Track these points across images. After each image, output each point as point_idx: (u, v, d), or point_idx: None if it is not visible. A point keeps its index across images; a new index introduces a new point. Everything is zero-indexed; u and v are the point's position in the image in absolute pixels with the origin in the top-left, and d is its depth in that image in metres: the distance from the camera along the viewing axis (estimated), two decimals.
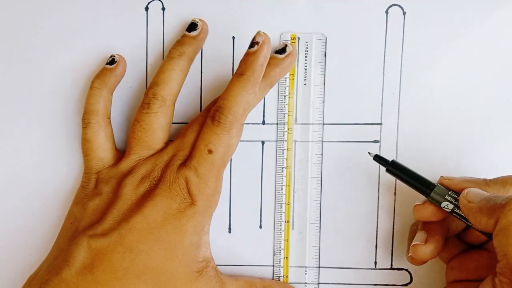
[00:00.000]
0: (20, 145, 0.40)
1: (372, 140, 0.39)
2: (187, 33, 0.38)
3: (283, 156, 0.39)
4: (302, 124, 0.39)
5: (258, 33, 0.35)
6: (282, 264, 0.39)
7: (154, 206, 0.34)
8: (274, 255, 0.39)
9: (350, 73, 0.39)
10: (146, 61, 0.40)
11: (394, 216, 0.39)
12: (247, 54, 0.35)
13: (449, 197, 0.34)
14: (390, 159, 0.36)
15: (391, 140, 0.39)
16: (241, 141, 0.36)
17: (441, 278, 0.39)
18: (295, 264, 0.39)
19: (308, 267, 0.39)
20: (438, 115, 0.39)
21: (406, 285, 0.39)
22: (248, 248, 0.40)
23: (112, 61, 0.38)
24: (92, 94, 0.38)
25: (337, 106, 0.39)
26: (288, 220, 0.39)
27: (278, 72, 0.36)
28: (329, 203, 0.39)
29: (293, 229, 0.39)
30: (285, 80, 0.39)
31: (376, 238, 0.39)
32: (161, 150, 0.37)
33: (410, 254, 0.35)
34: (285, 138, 0.39)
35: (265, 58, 0.35)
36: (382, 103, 0.39)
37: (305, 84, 0.39)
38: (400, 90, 0.39)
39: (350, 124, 0.39)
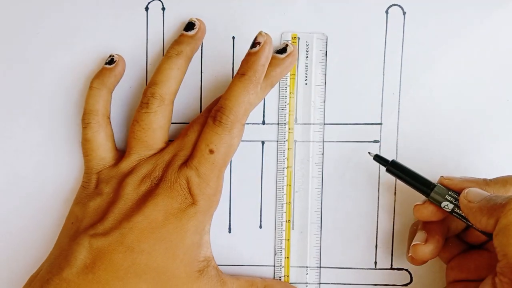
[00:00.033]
0: (20, 145, 0.40)
1: (372, 140, 0.39)
2: (184, 32, 0.38)
3: (284, 156, 0.39)
4: (302, 124, 0.39)
5: (260, 33, 0.35)
6: (283, 264, 0.39)
7: (155, 205, 0.34)
8: (275, 255, 0.39)
9: (350, 73, 0.39)
10: (146, 61, 0.40)
11: (394, 216, 0.39)
12: (249, 54, 0.35)
13: (449, 197, 0.34)
14: (390, 159, 0.36)
15: (391, 140, 0.39)
16: (241, 141, 0.36)
17: (441, 278, 0.39)
18: (296, 264, 0.39)
19: (309, 267, 0.39)
20: (438, 115, 0.39)
21: (406, 285, 0.39)
22: (248, 248, 0.40)
23: (111, 61, 0.38)
24: (91, 94, 0.38)
25: (337, 106, 0.39)
26: (289, 220, 0.39)
27: (279, 72, 0.36)
28: (329, 203, 0.39)
29: (293, 229, 0.39)
30: (286, 80, 0.39)
31: (376, 238, 0.39)
32: (162, 149, 0.37)
33: (410, 254, 0.35)
34: (286, 138, 0.39)
35: (266, 59, 0.35)
36: (382, 103, 0.39)
37: (306, 84, 0.39)
38: (400, 90, 0.39)
39: (350, 124, 0.39)
